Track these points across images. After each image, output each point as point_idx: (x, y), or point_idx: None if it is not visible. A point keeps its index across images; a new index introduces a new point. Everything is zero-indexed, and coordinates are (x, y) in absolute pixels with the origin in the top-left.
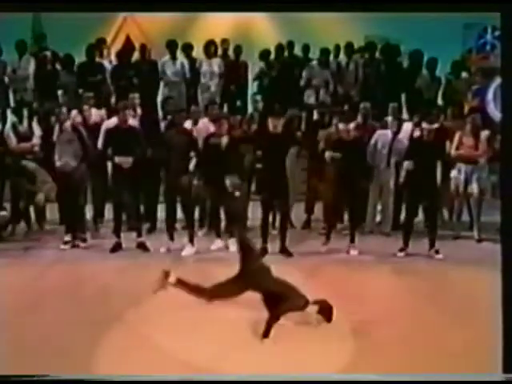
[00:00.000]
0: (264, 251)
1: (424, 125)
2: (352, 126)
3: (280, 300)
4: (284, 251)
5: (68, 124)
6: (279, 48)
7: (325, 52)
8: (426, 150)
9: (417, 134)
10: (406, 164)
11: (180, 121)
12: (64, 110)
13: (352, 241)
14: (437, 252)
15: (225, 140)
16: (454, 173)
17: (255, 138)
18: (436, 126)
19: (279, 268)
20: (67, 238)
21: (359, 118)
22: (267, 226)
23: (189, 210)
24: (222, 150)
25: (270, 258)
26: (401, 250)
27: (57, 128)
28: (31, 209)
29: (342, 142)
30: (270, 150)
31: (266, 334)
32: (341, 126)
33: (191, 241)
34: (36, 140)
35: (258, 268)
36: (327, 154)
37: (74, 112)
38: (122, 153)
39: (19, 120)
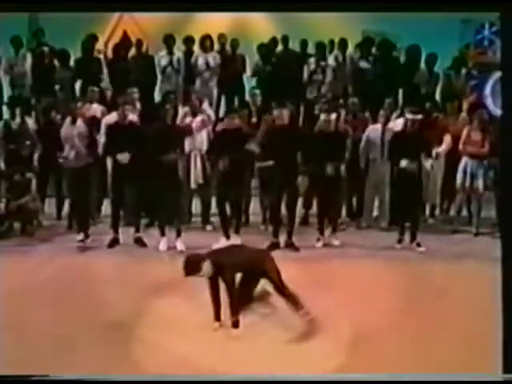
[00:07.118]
0: (276, 246)
1: (408, 115)
2: (333, 117)
3: None
4: (291, 246)
5: (78, 118)
6: (272, 41)
7: (322, 47)
8: (411, 143)
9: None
10: (404, 163)
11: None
12: (72, 104)
13: (334, 231)
14: (418, 245)
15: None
16: (460, 167)
17: (266, 134)
18: (420, 116)
19: (286, 263)
20: (80, 237)
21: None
22: (278, 220)
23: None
24: (234, 146)
25: (275, 253)
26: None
27: (67, 121)
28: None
29: (323, 134)
30: (280, 145)
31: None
32: (322, 116)
33: (179, 234)
34: (34, 136)
35: None
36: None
37: (80, 106)
38: (121, 149)
39: (12, 116)
